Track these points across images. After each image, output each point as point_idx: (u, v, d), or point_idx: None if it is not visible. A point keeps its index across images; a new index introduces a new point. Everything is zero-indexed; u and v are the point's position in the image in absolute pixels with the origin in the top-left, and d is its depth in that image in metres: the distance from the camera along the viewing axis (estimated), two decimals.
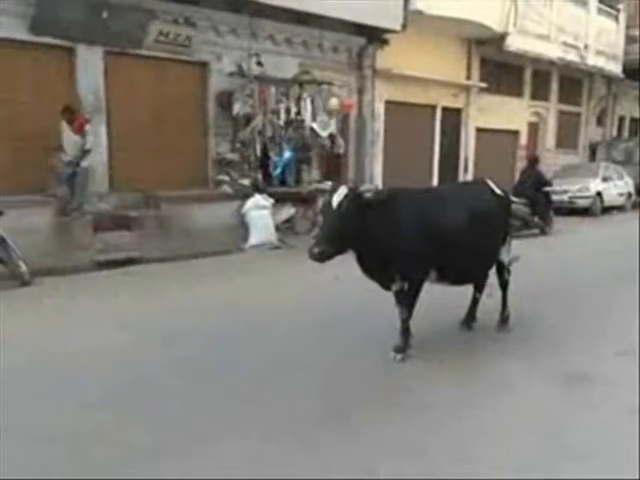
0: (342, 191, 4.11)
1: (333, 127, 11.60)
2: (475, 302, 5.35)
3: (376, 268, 4.42)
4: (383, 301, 4.79)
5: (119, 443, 3.26)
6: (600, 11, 19.07)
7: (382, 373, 4.34)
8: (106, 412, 3.63)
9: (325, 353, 4.71)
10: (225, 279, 7.41)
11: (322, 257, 3.95)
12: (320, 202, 4.27)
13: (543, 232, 12.18)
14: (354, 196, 4.11)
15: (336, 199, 4.06)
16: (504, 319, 5.39)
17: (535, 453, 3.21)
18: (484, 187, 5.13)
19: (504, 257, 5.26)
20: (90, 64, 9.32)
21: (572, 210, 15.31)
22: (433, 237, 4.40)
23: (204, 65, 10.72)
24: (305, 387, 4.03)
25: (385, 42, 13.08)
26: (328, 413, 3.66)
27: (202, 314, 5.76)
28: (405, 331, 4.59)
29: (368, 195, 4.19)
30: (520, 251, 8.60)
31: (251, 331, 5.21)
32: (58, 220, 8.29)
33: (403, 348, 4.58)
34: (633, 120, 23.34)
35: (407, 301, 4.53)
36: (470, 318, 5.36)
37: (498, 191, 5.11)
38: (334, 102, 11.47)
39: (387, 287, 4.54)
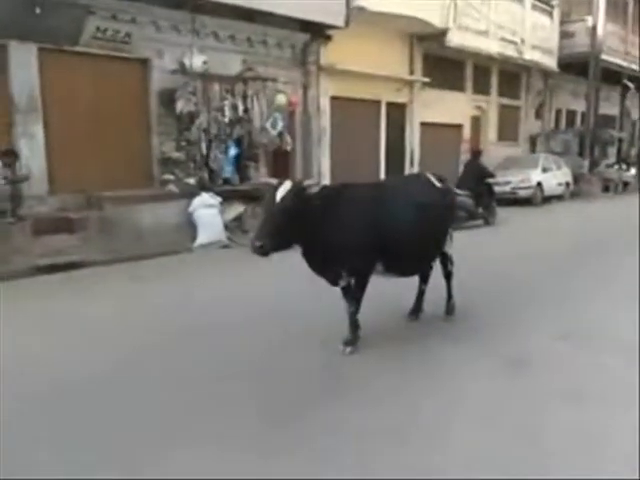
0: (286, 185, 4.09)
1: (281, 124, 11.57)
2: (421, 293, 5.45)
3: (322, 264, 4.43)
4: (328, 294, 4.82)
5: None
6: (535, 7, 19.67)
7: (332, 366, 4.35)
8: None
9: (271, 351, 4.68)
10: (171, 279, 7.29)
11: (263, 251, 3.93)
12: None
13: (487, 222, 12.52)
14: (297, 190, 4.10)
15: (280, 193, 4.04)
16: (450, 309, 5.51)
17: (475, 438, 3.29)
18: (425, 180, 5.19)
19: (447, 248, 5.37)
20: (24, 62, 8.97)
21: (514, 200, 15.82)
22: (379, 231, 4.43)
23: (145, 62, 10.48)
24: (253, 388, 3.98)
25: (329, 38, 13.13)
26: (284, 412, 3.65)
27: (141, 316, 5.66)
28: (354, 324, 4.63)
29: (312, 189, 4.18)
30: (465, 241, 8.85)
31: (196, 330, 5.14)
32: None
33: (352, 341, 4.62)
34: (569, 112, 24.24)
35: (355, 295, 4.57)
36: (417, 309, 5.45)
37: (438, 184, 5.17)
38: (281, 99, 11.45)
39: (334, 283, 4.56)
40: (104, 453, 3.17)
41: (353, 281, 4.50)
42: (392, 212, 4.58)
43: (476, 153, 13.34)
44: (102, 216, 9.02)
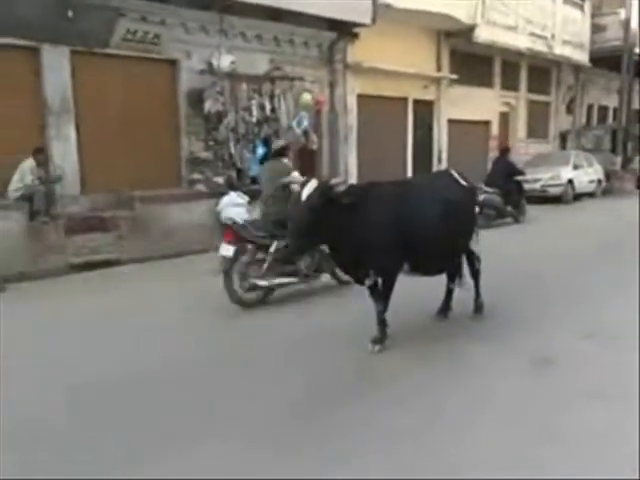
0: (312, 184, 4.04)
1: (306, 123, 11.61)
2: (449, 292, 5.40)
3: (350, 262, 4.40)
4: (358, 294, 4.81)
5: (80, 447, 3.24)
6: (565, 1, 19.34)
7: (362, 365, 4.35)
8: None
9: (301, 348, 4.69)
10: (197, 278, 7.36)
11: (290, 252, 3.96)
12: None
13: (517, 221, 12.36)
14: (324, 189, 4.05)
15: (306, 192, 4.00)
16: (478, 307, 5.45)
17: (502, 436, 3.27)
18: (450, 178, 5.13)
19: (474, 246, 5.30)
20: (56, 64, 9.16)
21: (544, 198, 15.55)
22: (406, 230, 4.39)
23: (174, 63, 10.62)
24: (284, 384, 4.02)
25: (355, 36, 13.10)
26: (314, 408, 3.68)
27: (181, 312, 5.76)
28: (382, 323, 4.61)
29: (339, 188, 4.13)
30: (493, 240, 8.77)
31: (227, 326, 5.20)
32: (28, 225, 8.14)
33: (381, 339, 4.61)
34: (601, 108, 23.77)
35: (383, 294, 4.54)
36: (445, 308, 5.39)
37: (462, 182, 5.12)
38: (307, 97, 11.47)
39: (361, 281, 4.54)
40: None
41: (380, 280, 4.46)
42: (418, 210, 4.55)
43: (504, 150, 13.17)
44: (133, 215, 9.17)
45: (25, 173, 8.31)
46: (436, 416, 3.54)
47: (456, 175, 5.15)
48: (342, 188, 4.15)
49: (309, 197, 3.98)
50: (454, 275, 5.33)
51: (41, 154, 8.54)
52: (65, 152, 9.33)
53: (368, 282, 4.48)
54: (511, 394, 3.82)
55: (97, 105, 9.63)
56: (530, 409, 3.60)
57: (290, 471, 2.96)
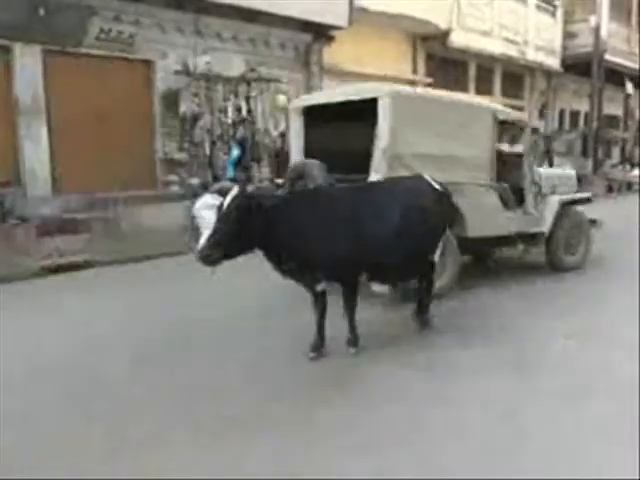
0: (233, 192, 3.93)
1: (283, 125, 11.59)
2: (420, 291, 5.09)
3: (296, 271, 4.26)
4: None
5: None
6: (538, 8, 19.65)
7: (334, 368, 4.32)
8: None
9: (269, 355, 4.60)
10: (172, 281, 7.27)
11: (207, 260, 3.78)
12: None
13: None
14: (243, 197, 3.92)
15: (227, 200, 3.89)
16: (424, 322, 5.09)
17: (488, 439, 3.30)
18: (422, 183, 4.93)
19: (435, 258, 5.03)
20: (28, 63, 9.01)
21: None
22: (357, 238, 4.24)
23: (149, 63, 10.51)
24: (249, 394, 3.97)
25: (332, 39, 13.13)
26: (290, 414, 3.67)
27: (147, 318, 5.67)
28: (353, 323, 4.54)
29: (261, 195, 4.06)
30: None
31: (186, 335, 5.15)
32: None
33: (355, 341, 4.56)
34: (573, 113, 24.18)
35: (348, 301, 4.48)
36: (421, 310, 5.12)
37: (436, 186, 4.93)
38: (282, 99, 11.46)
39: (310, 287, 4.43)
40: None
41: (340, 287, 4.39)
42: (370, 215, 4.37)
43: None
44: (106, 217, 9.05)
45: None
46: (414, 420, 3.55)
47: (429, 179, 4.97)
48: (264, 196, 4.09)
49: (228, 205, 3.89)
50: (425, 276, 5.05)
51: None
52: (36, 153, 9.17)
53: (319, 287, 4.37)
54: (495, 398, 3.83)
55: (70, 105, 9.47)
56: (516, 411, 3.62)
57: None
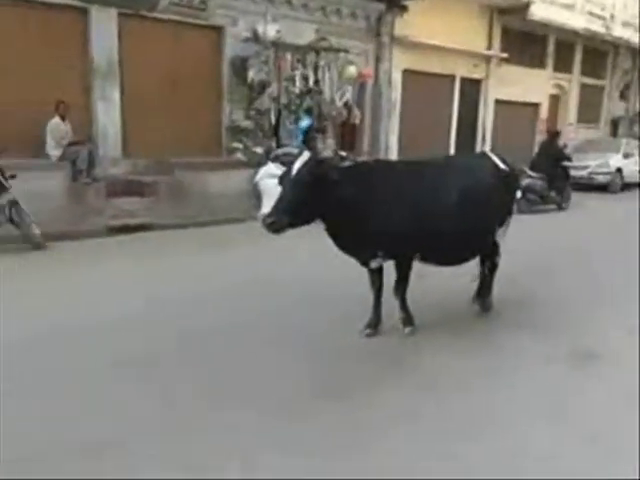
0: (303, 158, 3.75)
1: (349, 95, 11.42)
2: (484, 276, 4.95)
3: (350, 243, 4.11)
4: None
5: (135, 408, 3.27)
6: None
7: (386, 350, 4.20)
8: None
9: (325, 328, 4.55)
10: (233, 248, 7.36)
11: (273, 228, 3.61)
12: None
13: (560, 207, 11.97)
14: (314, 163, 3.74)
15: (296, 166, 3.72)
16: (487, 304, 4.99)
17: (540, 433, 3.14)
18: (485, 161, 4.72)
19: (500, 239, 4.84)
20: (104, 26, 9.18)
21: (591, 186, 15.02)
22: (415, 214, 4.07)
23: (219, 29, 10.53)
24: (309, 364, 3.96)
25: (404, 9, 12.75)
26: (336, 389, 3.63)
27: (212, 281, 5.75)
28: (404, 303, 4.41)
29: (331, 163, 3.82)
30: (536, 225, 8.52)
31: (248, 301, 5.16)
32: (70, 185, 8.26)
33: (410, 320, 4.44)
34: None
35: (399, 280, 4.33)
36: (484, 293, 4.98)
37: (502, 165, 4.69)
38: (351, 70, 11.26)
39: (364, 263, 4.28)
40: None
41: (391, 263, 4.24)
42: (428, 193, 4.19)
43: (554, 134, 12.72)
44: (172, 181, 9.22)
45: (54, 131, 8.44)
46: (466, 402, 3.44)
47: (495, 158, 4.76)
48: (335, 163, 3.85)
49: (298, 171, 3.72)
50: (490, 257, 4.89)
51: (62, 105, 8.49)
52: (109, 114, 9.40)
53: (374, 264, 4.23)
54: (550, 390, 3.67)
55: (142, 69, 9.63)
56: (571, 407, 3.45)
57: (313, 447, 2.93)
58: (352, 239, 4.06)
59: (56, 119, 8.45)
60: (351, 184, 3.86)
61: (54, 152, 8.44)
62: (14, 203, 6.81)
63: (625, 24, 18.49)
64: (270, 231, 3.64)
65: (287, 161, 3.85)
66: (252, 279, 5.79)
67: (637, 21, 18.91)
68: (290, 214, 3.66)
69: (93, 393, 3.45)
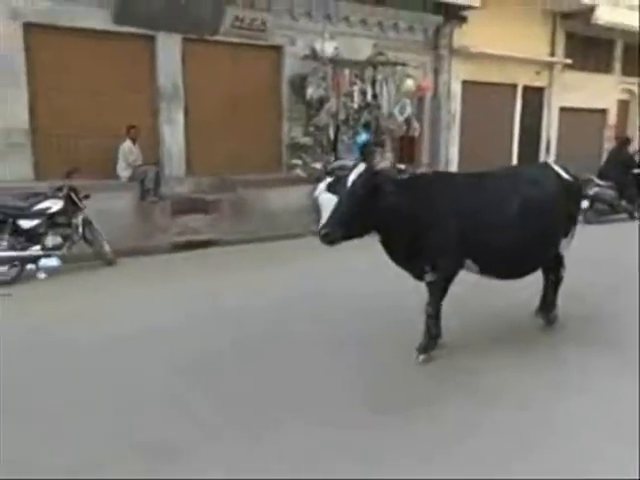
0: (359, 169, 3.74)
1: (409, 110, 11.39)
2: (549, 286, 4.78)
3: (404, 256, 4.04)
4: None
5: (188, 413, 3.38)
6: None
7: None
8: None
9: (381, 341, 4.50)
10: (293, 262, 7.45)
11: (328, 239, 3.59)
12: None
13: (632, 217, 11.46)
14: (368, 175, 3.72)
15: (351, 178, 3.69)
16: (551, 320, 4.84)
17: (605, 453, 3.01)
18: (547, 171, 4.61)
19: (563, 250, 4.69)
20: (169, 52, 9.59)
21: None
22: (469, 226, 3.99)
23: (278, 49, 10.77)
24: (363, 377, 3.98)
25: (463, 19, 12.63)
26: (393, 402, 3.61)
27: (272, 294, 5.86)
28: (431, 328, 4.19)
29: (386, 175, 3.79)
30: (606, 236, 8.17)
31: (304, 312, 5.23)
32: (139, 204, 8.62)
33: (426, 348, 4.19)
34: None
35: (433, 296, 4.14)
36: (548, 306, 4.81)
37: (565, 175, 4.58)
38: (409, 84, 11.23)
39: (419, 277, 4.17)
40: None
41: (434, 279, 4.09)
42: (486, 204, 4.11)
43: (623, 141, 12.23)
44: (234, 198, 9.45)
45: (125, 154, 8.85)
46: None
47: (557, 167, 4.66)
48: (391, 175, 3.82)
49: (353, 183, 3.67)
50: (555, 270, 4.75)
51: (133, 130, 8.91)
52: (173, 136, 9.78)
53: (428, 278, 4.10)
54: (616, 407, 3.53)
55: (204, 91, 9.98)
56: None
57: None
58: (407, 252, 4.03)
59: (128, 142, 8.87)
60: (407, 196, 3.84)
61: (124, 173, 8.86)
62: (87, 222, 7.18)
63: None
64: (325, 243, 3.64)
65: (342, 174, 3.85)
66: (308, 292, 5.90)
67: None
68: (344, 226, 3.65)
69: (159, 394, 3.62)
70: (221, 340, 4.59)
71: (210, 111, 10.08)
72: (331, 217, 3.69)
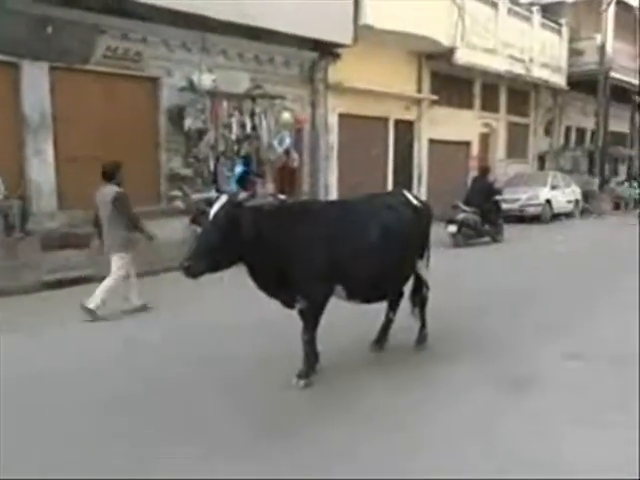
0: (221, 200, 3.75)
1: (288, 141, 11.69)
2: (389, 322, 5.06)
3: (273, 286, 4.07)
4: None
5: None
6: (544, 26, 19.77)
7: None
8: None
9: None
10: (169, 296, 7.28)
11: (190, 273, 3.56)
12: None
13: (495, 240, 12.48)
14: (231, 206, 3.74)
15: (214, 210, 3.71)
16: (422, 338, 5.11)
17: (479, 463, 3.22)
18: (400, 198, 4.90)
19: (423, 272, 4.99)
20: (35, 80, 9.10)
21: (522, 218, 15.77)
22: (338, 253, 4.11)
23: (155, 80, 10.63)
24: (250, 404, 3.98)
25: (337, 56, 13.24)
26: (276, 427, 3.64)
27: (146, 333, 5.68)
28: (308, 354, 4.25)
29: (250, 205, 3.83)
30: (471, 258, 8.85)
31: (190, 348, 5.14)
32: (3, 240, 8.04)
33: (307, 373, 4.25)
34: (579, 130, 24.20)
35: (307, 323, 4.18)
36: (382, 338, 5.04)
37: (415, 202, 4.90)
38: (286, 116, 11.55)
39: (289, 305, 4.22)
40: None
41: (307, 305, 4.15)
42: (353, 232, 4.27)
43: (484, 170, 13.37)
44: None
45: None
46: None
47: (408, 194, 4.98)
48: (253, 205, 3.85)
49: (215, 214, 3.70)
50: (396, 303, 5.02)
51: None
52: (42, 168, 9.25)
53: (298, 306, 4.17)
54: (484, 417, 3.77)
55: (76, 121, 9.56)
56: (512, 435, 3.52)
57: None
58: (275, 282, 4.04)
59: None
60: (272, 226, 3.89)
61: None
62: None
63: (543, 65, 19.77)
64: (187, 276, 3.59)
65: (204, 208, 3.85)
66: (186, 325, 5.81)
67: (553, 62, 20.27)
68: (207, 258, 3.63)
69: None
70: (98, 386, 4.36)
71: (83, 142, 9.66)
72: (193, 250, 3.66)
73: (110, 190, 6.57)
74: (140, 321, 6.25)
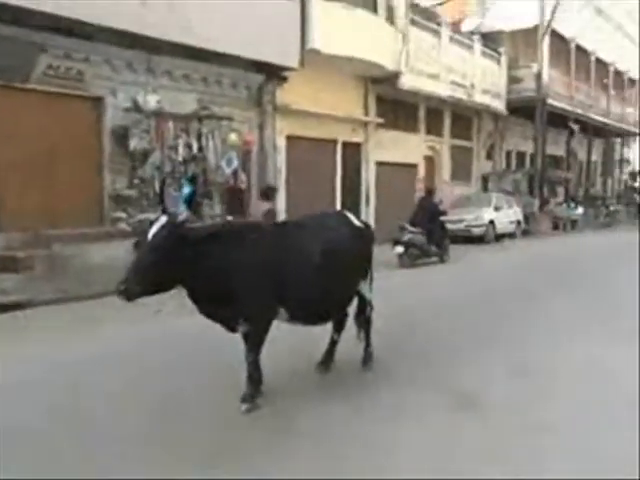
0: (161, 221, 3.68)
1: (236, 163, 11.67)
2: (333, 343, 4.98)
3: (214, 309, 3.98)
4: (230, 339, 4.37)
5: None
6: (484, 54, 20.59)
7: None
8: None
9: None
10: (110, 321, 7.03)
11: (126, 295, 3.46)
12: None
13: (441, 260, 12.72)
14: (171, 227, 3.66)
15: (153, 230, 3.63)
16: (367, 357, 5.07)
17: None
18: (342, 219, 4.90)
19: (366, 292, 4.99)
20: None
21: (467, 238, 16.18)
22: (277, 274, 4.08)
23: (98, 100, 10.43)
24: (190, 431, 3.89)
25: (284, 79, 13.36)
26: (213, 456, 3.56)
27: (81, 356, 5.51)
28: (252, 377, 4.16)
29: (190, 226, 3.80)
30: (417, 279, 8.98)
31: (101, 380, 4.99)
32: None
33: (251, 396, 4.15)
34: (519, 153, 25.18)
35: (252, 345, 4.12)
36: (328, 359, 4.96)
37: (357, 223, 4.92)
38: (233, 137, 11.57)
39: (232, 329, 4.14)
40: None
41: (249, 329, 4.08)
42: (293, 253, 4.24)
43: (429, 191, 13.67)
44: (49, 255, 8.78)
45: None
46: None
47: (349, 215, 4.99)
48: (193, 227, 3.83)
49: (154, 235, 3.61)
50: (341, 324, 4.98)
51: None
52: None
53: (241, 329, 4.09)
54: (433, 437, 3.77)
55: (14, 140, 9.25)
56: (459, 453, 3.53)
57: None
58: (217, 304, 3.96)
59: None
60: (212, 247, 3.83)
61: None
62: None
63: (485, 91, 20.54)
64: (122, 299, 3.48)
65: (143, 228, 3.75)
66: (123, 352, 5.63)
67: (494, 89, 21.09)
68: (144, 281, 3.53)
69: None
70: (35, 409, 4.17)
71: (22, 162, 9.33)
72: (130, 272, 3.55)
73: None
74: None
